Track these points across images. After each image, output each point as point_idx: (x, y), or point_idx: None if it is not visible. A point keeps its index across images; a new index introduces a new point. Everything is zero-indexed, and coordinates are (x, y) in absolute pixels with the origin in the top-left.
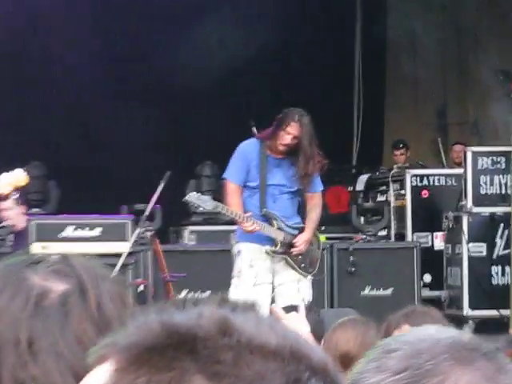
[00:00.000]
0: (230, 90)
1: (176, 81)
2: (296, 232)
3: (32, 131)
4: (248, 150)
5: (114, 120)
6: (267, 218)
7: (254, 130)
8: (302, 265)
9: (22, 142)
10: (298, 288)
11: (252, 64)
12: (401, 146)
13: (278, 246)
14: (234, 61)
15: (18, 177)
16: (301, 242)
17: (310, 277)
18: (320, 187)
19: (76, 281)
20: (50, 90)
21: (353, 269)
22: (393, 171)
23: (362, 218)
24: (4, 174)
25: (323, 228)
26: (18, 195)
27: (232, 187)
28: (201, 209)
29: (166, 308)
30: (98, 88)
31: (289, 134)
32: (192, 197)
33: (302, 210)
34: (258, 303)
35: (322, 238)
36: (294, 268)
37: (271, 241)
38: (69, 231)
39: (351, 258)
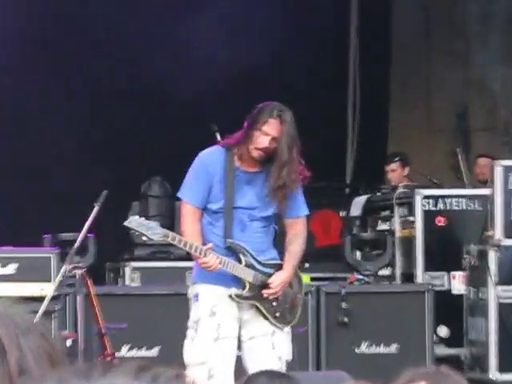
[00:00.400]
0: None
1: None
2: (271, 271)
3: None
4: (210, 160)
5: (36, 120)
6: (233, 252)
7: (218, 136)
8: (278, 313)
9: None
10: (272, 343)
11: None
12: (395, 159)
13: (247, 289)
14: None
15: None
16: (277, 283)
17: (288, 329)
18: (304, 211)
19: None
20: None
21: (345, 319)
22: (398, 191)
23: (358, 253)
24: None
25: (307, 265)
26: None
27: (188, 210)
28: (145, 238)
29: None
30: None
31: (266, 135)
32: (133, 222)
33: (278, 242)
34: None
35: (306, 278)
36: (266, 317)
37: (238, 282)
38: None
39: (343, 305)
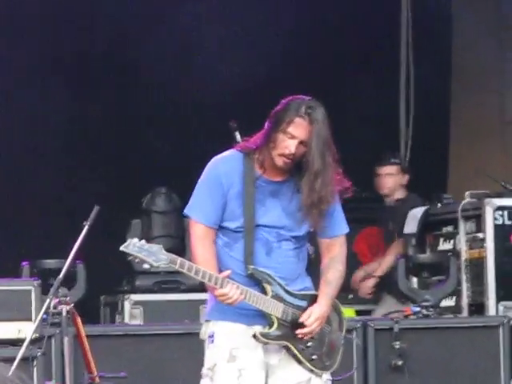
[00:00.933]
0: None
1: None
2: (304, 303)
3: None
4: (225, 168)
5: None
6: (256, 281)
7: (238, 135)
8: (314, 356)
9: None
10: None
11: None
12: (393, 160)
13: (275, 327)
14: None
15: None
16: (312, 318)
17: (327, 376)
18: (343, 229)
19: None
20: None
21: (399, 361)
22: (464, 202)
23: (415, 279)
24: None
25: (351, 296)
26: None
27: (199, 231)
28: (147, 266)
29: None
30: None
31: (292, 138)
32: (132, 246)
33: (313, 268)
34: None
35: (349, 312)
36: (300, 361)
37: (263, 318)
38: None
39: (397, 345)
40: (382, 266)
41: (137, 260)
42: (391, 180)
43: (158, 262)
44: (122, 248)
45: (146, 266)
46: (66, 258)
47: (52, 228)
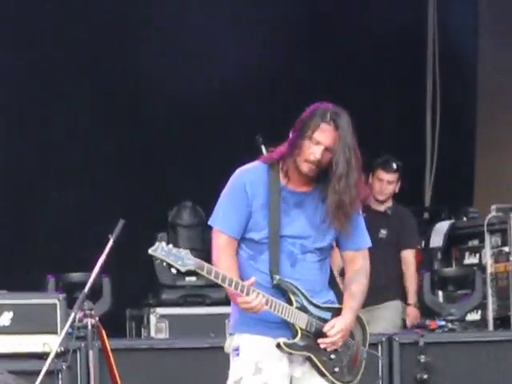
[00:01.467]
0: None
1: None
2: (328, 315)
3: None
4: (249, 179)
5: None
6: (281, 292)
7: (264, 150)
8: (337, 369)
9: None
10: None
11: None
12: (396, 168)
13: (299, 337)
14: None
15: None
16: (336, 330)
17: None
18: (366, 242)
19: None
20: None
21: (425, 376)
22: (490, 216)
23: (441, 293)
24: None
25: None
26: None
27: (222, 241)
28: (174, 271)
29: None
30: None
31: (318, 144)
32: (160, 250)
33: (336, 280)
34: None
35: None
36: (323, 374)
37: (287, 330)
38: None
39: (423, 359)
40: (411, 291)
41: (164, 264)
42: (391, 187)
43: (184, 266)
44: (150, 251)
45: (173, 270)
46: (91, 272)
47: (77, 241)
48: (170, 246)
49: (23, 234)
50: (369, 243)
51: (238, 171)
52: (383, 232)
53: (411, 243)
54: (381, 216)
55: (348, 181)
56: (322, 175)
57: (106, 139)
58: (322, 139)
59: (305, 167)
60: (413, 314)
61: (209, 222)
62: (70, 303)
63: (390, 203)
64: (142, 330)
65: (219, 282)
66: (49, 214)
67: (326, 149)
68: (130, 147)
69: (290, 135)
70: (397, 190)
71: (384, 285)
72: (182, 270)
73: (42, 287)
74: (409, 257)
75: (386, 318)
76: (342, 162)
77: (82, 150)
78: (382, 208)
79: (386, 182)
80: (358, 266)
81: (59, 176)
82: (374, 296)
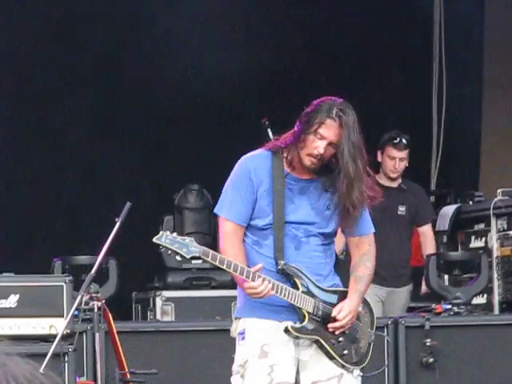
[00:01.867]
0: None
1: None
2: (334, 299)
3: None
4: (253, 167)
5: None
6: (287, 277)
7: (270, 133)
8: (345, 351)
9: None
10: None
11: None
12: (406, 144)
13: (306, 321)
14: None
15: None
16: (344, 313)
17: (358, 371)
18: (370, 228)
19: None
20: None
21: (430, 359)
22: (496, 199)
23: (446, 277)
24: None
25: None
26: None
27: (228, 229)
28: (179, 258)
29: None
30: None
31: (322, 139)
32: (164, 238)
33: (343, 270)
34: None
35: None
36: (332, 357)
37: (294, 314)
38: None
39: (428, 342)
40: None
41: (169, 252)
42: (403, 164)
43: (189, 253)
44: (154, 240)
45: (177, 258)
46: (98, 255)
47: (83, 224)
48: (175, 234)
49: (31, 218)
50: (371, 230)
51: (242, 158)
52: (402, 209)
53: (431, 217)
54: (396, 192)
55: (356, 184)
56: (324, 167)
57: (113, 122)
58: (326, 134)
59: (307, 161)
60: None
61: (215, 211)
62: (76, 286)
63: (400, 179)
64: (148, 312)
65: (225, 268)
66: (54, 198)
67: (330, 144)
68: (138, 130)
69: (296, 126)
70: (407, 164)
71: (404, 266)
72: (187, 257)
73: (49, 270)
74: (429, 231)
75: (403, 303)
76: (350, 164)
77: (90, 133)
78: (394, 184)
79: (398, 160)
80: (363, 250)
81: (64, 160)
82: (396, 278)
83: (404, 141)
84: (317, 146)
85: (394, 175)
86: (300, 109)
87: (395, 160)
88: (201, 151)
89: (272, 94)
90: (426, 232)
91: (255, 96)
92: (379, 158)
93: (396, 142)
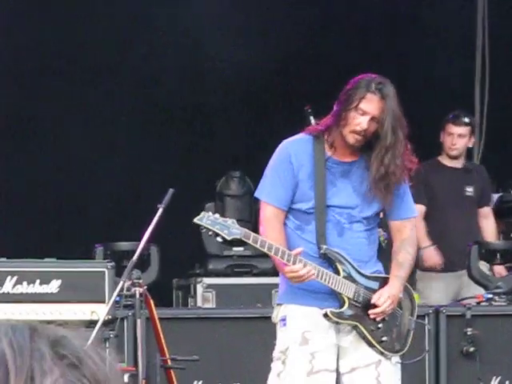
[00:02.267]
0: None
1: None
2: (375, 285)
3: None
4: (294, 151)
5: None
6: (329, 262)
7: (312, 119)
8: (384, 338)
9: None
10: (377, 376)
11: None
12: (467, 121)
13: (346, 306)
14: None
15: None
16: (384, 299)
17: (396, 359)
18: (413, 212)
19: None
20: None
21: (471, 348)
22: None
23: (487, 266)
24: None
25: None
26: None
27: (269, 213)
28: (219, 240)
29: None
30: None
31: (364, 114)
32: (206, 219)
33: (385, 255)
34: None
35: (418, 297)
36: (371, 343)
37: (335, 299)
38: (7, 286)
39: (469, 331)
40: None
41: (210, 233)
42: (463, 141)
43: (230, 235)
44: (195, 220)
45: (218, 239)
46: (139, 241)
47: (124, 210)
48: (216, 215)
49: (73, 204)
50: (414, 214)
51: (283, 143)
52: (469, 189)
53: (491, 199)
54: (461, 172)
55: (394, 152)
56: (367, 145)
57: (156, 109)
58: (368, 109)
59: (351, 138)
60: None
61: (255, 195)
62: (118, 272)
63: (463, 159)
64: (189, 299)
65: (266, 251)
66: (96, 184)
67: (373, 118)
68: (181, 117)
69: (335, 107)
70: (470, 144)
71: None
72: (228, 238)
73: (91, 256)
74: (490, 213)
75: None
76: (389, 133)
77: (131, 121)
78: (458, 164)
79: (457, 136)
80: (405, 235)
81: (109, 146)
82: (463, 261)
83: (464, 118)
84: (359, 122)
85: (452, 152)
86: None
87: (453, 136)
88: (243, 138)
89: (314, 79)
90: (488, 214)
91: (297, 82)
92: (441, 138)
93: (455, 117)
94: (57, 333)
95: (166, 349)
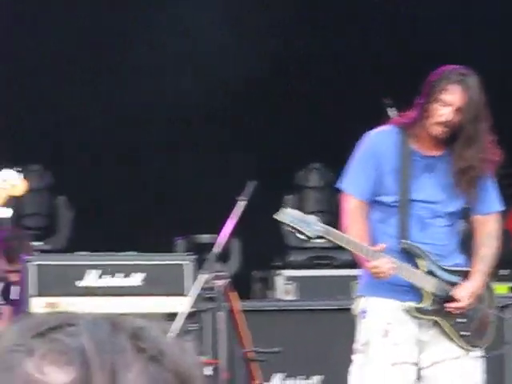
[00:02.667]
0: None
1: None
2: (457, 279)
3: (32, 120)
4: (380, 143)
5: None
6: (409, 256)
7: (393, 111)
8: (465, 333)
9: (18, 136)
10: (458, 371)
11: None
12: None
13: (427, 301)
14: None
15: (11, 182)
16: (464, 294)
17: (478, 353)
18: (497, 206)
19: (104, 370)
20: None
21: None
22: None
23: None
24: None
25: (504, 272)
26: (9, 214)
27: (353, 205)
28: (301, 236)
29: None
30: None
31: (446, 106)
32: (286, 215)
33: (466, 245)
34: None
35: (502, 288)
36: (451, 338)
37: (416, 294)
38: (91, 279)
39: None
40: None
41: (291, 230)
42: None
43: (312, 232)
44: (276, 216)
45: (299, 236)
46: (219, 234)
47: (205, 203)
48: (297, 211)
49: (152, 197)
50: (499, 207)
51: (368, 135)
52: None
53: None
54: None
55: (476, 145)
56: (452, 138)
57: (233, 103)
58: (451, 100)
59: (435, 130)
60: None
61: (338, 186)
62: (199, 264)
63: None
64: (269, 291)
65: (348, 247)
66: (177, 177)
67: (457, 110)
68: (259, 110)
69: (419, 99)
70: None
71: None
72: (311, 235)
73: (171, 249)
74: None
75: None
76: (470, 124)
77: (210, 117)
78: None
79: None
80: (488, 229)
81: (188, 140)
82: None
83: None
84: (443, 113)
85: None
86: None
87: None
88: (323, 129)
89: (395, 72)
90: None
91: (377, 74)
92: None
93: None
94: (136, 325)
95: (247, 341)
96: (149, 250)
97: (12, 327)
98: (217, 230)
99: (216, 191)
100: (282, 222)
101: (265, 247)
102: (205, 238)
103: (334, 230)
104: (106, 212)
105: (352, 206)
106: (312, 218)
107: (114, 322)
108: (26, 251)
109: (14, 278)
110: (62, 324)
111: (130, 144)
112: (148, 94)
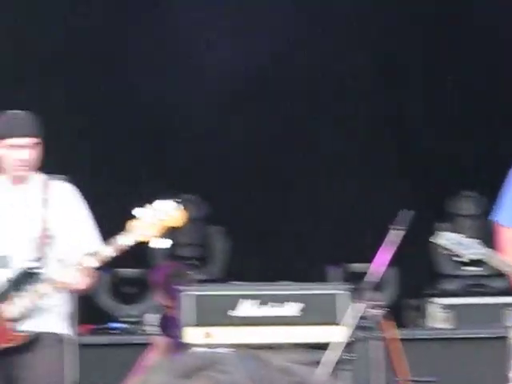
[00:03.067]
0: None
1: None
2: None
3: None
4: None
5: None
6: None
7: None
8: None
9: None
10: None
11: None
12: None
13: None
14: None
15: (171, 213)
16: None
17: None
18: None
19: None
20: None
21: None
22: None
23: None
24: (156, 207)
25: None
26: (168, 245)
27: (505, 235)
28: (459, 259)
29: None
30: None
31: None
32: (443, 238)
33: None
34: None
35: None
36: None
37: None
38: (246, 308)
39: None
40: None
41: (447, 252)
42: None
43: (471, 254)
44: (433, 239)
45: (457, 259)
46: (371, 262)
47: (357, 232)
48: (455, 234)
49: (304, 224)
50: None
51: None
52: None
53: None
54: None
55: None
56: None
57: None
58: None
59: None
60: None
61: (490, 217)
62: (354, 293)
63: None
64: (422, 320)
65: (507, 272)
66: (323, 204)
67: None
68: (383, 130)
69: None
70: None
71: None
72: (473, 257)
73: (324, 277)
74: None
75: None
76: None
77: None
78: None
79: None
80: None
81: (331, 170)
82: None
83: None
84: None
85: None
86: None
87: None
88: (476, 156)
89: None
90: None
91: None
92: None
93: None
94: (282, 360)
95: (404, 370)
96: (301, 277)
97: (160, 368)
98: (368, 259)
99: (366, 219)
100: (439, 245)
101: (418, 275)
102: (357, 266)
103: (496, 253)
104: (260, 241)
105: (505, 236)
106: (471, 241)
107: (258, 358)
108: (186, 283)
109: (171, 312)
110: (210, 362)
111: (281, 170)
112: None
